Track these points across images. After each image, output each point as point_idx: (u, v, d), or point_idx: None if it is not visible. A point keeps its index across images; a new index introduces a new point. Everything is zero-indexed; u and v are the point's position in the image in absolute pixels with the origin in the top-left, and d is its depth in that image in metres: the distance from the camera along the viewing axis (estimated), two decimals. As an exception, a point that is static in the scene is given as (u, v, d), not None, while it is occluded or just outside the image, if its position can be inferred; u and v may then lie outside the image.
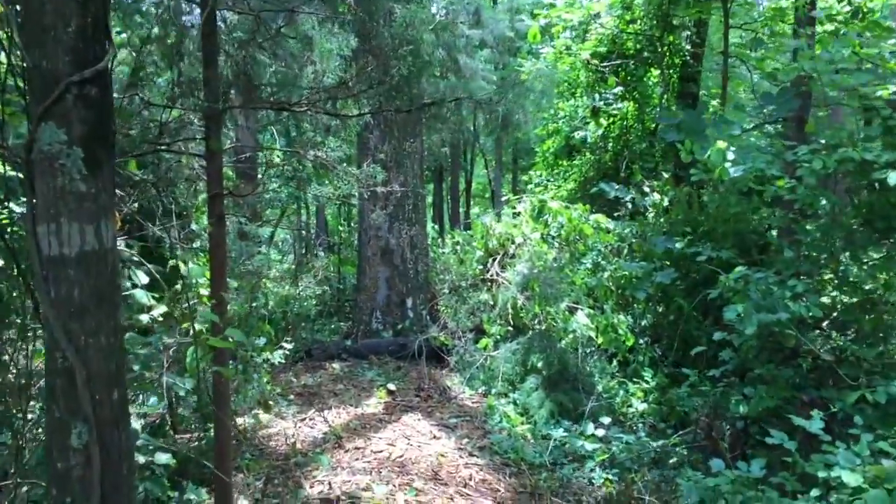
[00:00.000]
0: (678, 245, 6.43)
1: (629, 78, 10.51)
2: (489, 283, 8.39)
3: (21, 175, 2.78)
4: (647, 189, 8.85)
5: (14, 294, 3.21)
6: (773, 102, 6.14)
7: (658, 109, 10.07)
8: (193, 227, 4.98)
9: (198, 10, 3.68)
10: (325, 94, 4.36)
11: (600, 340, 6.95)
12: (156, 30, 3.90)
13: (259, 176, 8.57)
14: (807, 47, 5.78)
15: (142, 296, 3.67)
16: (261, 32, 4.13)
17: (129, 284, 3.79)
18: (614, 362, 6.98)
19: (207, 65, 3.45)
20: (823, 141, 5.28)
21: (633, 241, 8.05)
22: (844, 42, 5.31)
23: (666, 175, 9.29)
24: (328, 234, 15.25)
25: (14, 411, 3.11)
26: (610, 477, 5.06)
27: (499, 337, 7.58)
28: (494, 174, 20.13)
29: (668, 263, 6.79)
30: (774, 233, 6.36)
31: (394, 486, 4.73)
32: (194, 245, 4.97)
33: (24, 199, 2.91)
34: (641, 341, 7.08)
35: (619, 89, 10.54)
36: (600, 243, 8.21)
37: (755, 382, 5.12)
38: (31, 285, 2.71)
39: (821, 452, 3.81)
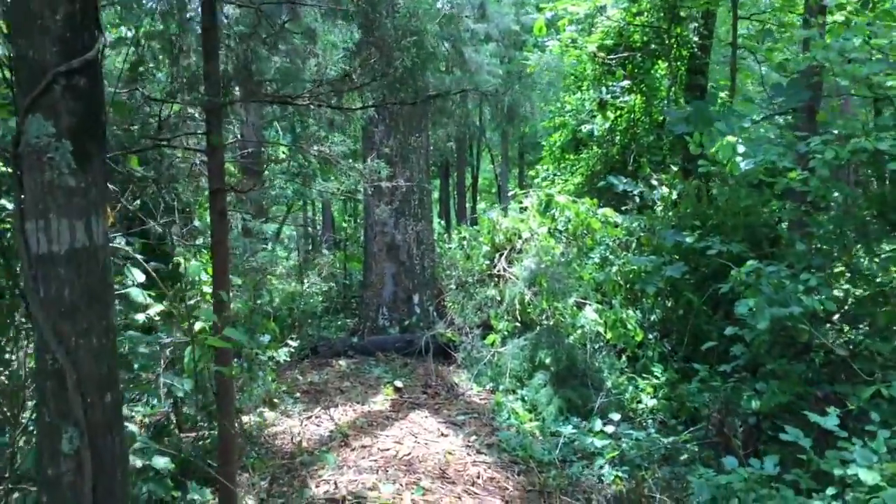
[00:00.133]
0: (688, 239, 6.35)
1: (636, 70, 10.42)
2: (496, 279, 8.31)
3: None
4: (655, 182, 8.76)
5: (7, 294, 3.14)
6: (783, 93, 6.05)
7: (666, 102, 9.96)
8: (196, 223, 4.92)
9: (198, 4, 3.62)
10: (329, 87, 4.29)
11: (609, 336, 6.87)
12: (158, 25, 3.85)
13: (265, 172, 8.53)
14: (818, 37, 5.68)
15: (137, 294, 3.60)
16: (263, 26, 4.07)
17: (129, 282, 3.74)
18: (623, 358, 6.90)
19: (208, 59, 3.41)
20: (836, 132, 5.19)
21: (642, 234, 7.96)
22: (855, 31, 5.21)
23: (674, 168, 9.21)
24: (334, 231, 15.22)
25: (8, 414, 3.05)
26: (620, 474, 4.98)
27: (506, 333, 7.51)
28: (501, 169, 20.03)
29: (678, 257, 6.70)
30: (784, 225, 6.27)
31: (401, 484, 4.67)
32: (197, 242, 4.92)
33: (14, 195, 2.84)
34: (651, 336, 6.99)
35: (626, 82, 10.44)
36: (608, 237, 8.13)
37: (767, 377, 5.04)
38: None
39: (836, 449, 3.73)
